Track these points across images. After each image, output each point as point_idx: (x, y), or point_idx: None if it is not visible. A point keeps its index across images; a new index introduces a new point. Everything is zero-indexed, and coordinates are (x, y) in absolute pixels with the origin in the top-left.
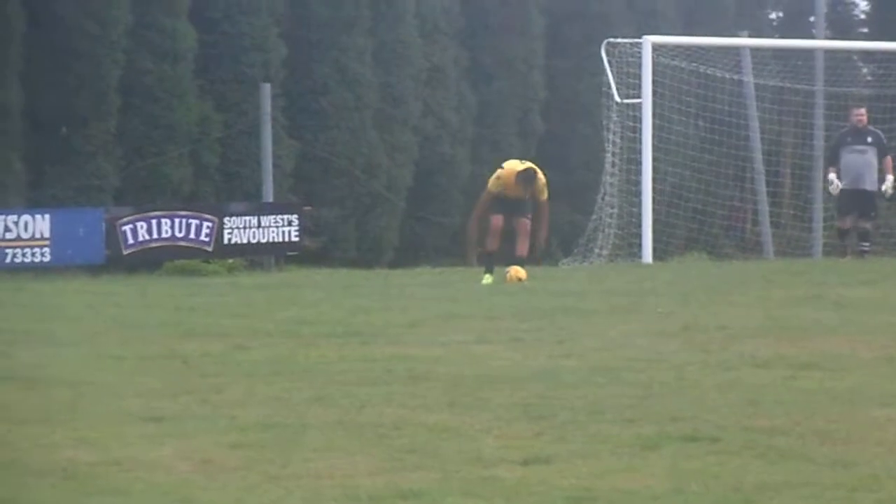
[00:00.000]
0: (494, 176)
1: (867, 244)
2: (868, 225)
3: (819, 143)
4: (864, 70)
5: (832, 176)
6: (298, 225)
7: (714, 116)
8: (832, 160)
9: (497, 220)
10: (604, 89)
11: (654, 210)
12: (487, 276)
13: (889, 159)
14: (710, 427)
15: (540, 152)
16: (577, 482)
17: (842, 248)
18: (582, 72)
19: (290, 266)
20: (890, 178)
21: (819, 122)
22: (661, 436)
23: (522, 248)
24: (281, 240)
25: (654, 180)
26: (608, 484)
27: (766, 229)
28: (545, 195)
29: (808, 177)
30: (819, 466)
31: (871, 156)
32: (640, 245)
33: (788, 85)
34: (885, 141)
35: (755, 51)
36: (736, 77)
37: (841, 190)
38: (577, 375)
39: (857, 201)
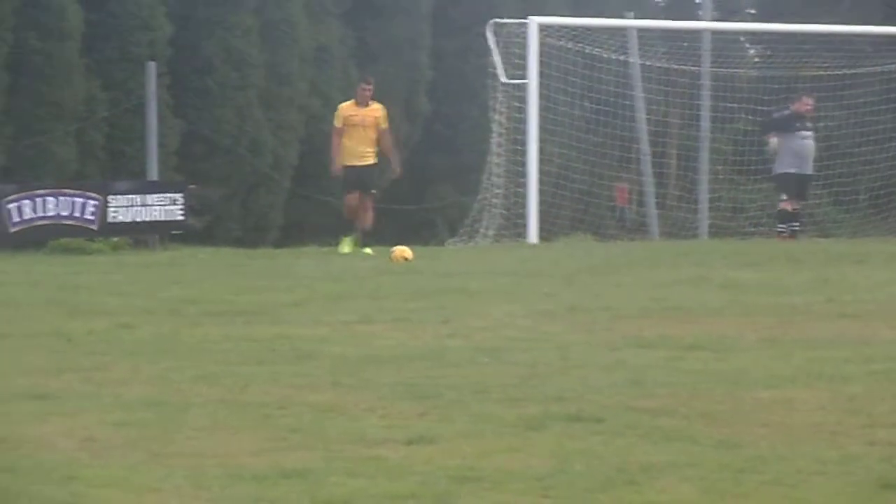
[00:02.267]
0: (335, 115)
1: (798, 224)
2: (801, 206)
3: (705, 124)
4: (752, 51)
5: (774, 140)
6: (183, 203)
7: (600, 97)
8: (771, 130)
9: (352, 197)
10: (490, 70)
11: (539, 191)
12: (347, 244)
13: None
14: (594, 407)
15: (426, 133)
16: (462, 462)
17: (784, 230)
18: (468, 52)
19: (175, 245)
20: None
21: (705, 103)
22: (545, 416)
23: (365, 221)
24: (165, 218)
25: (540, 161)
26: (492, 464)
27: (652, 210)
28: (386, 124)
29: (693, 158)
30: (704, 447)
31: (813, 140)
32: (525, 226)
33: (675, 66)
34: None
35: (641, 32)
36: (622, 58)
37: (788, 175)
38: (461, 355)
39: (802, 186)
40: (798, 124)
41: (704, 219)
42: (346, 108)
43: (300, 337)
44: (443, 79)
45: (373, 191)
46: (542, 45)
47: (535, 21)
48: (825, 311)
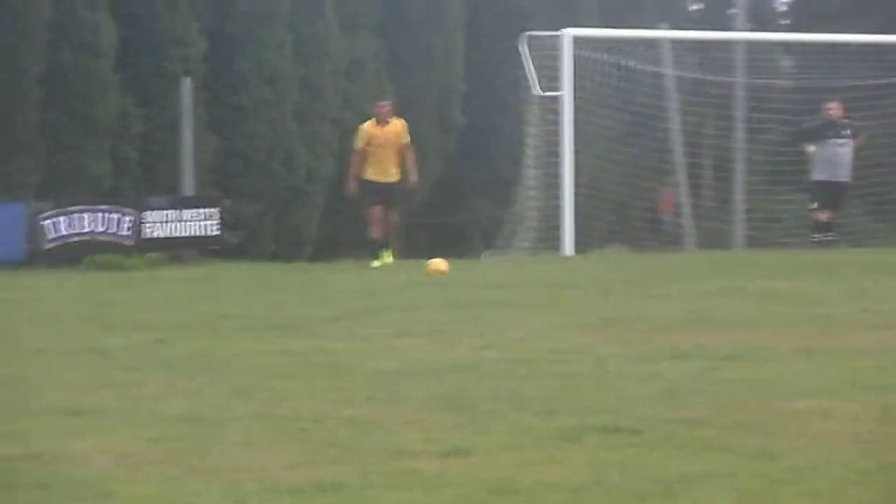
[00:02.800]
0: (356, 136)
1: (833, 234)
2: (836, 215)
3: (740, 134)
4: (785, 62)
5: (812, 148)
6: (218, 219)
7: (634, 109)
8: (805, 139)
9: (376, 211)
10: (523, 82)
11: (574, 203)
12: (376, 260)
13: (860, 141)
14: (631, 419)
15: (460, 145)
16: (499, 474)
17: (820, 240)
18: (502, 64)
19: (211, 260)
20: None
21: (739, 113)
22: (582, 427)
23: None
24: (201, 234)
25: (575, 173)
26: (529, 476)
27: (688, 221)
28: (407, 138)
29: (728, 168)
30: (740, 458)
31: (849, 148)
32: (560, 238)
33: (709, 77)
34: (859, 128)
35: (675, 43)
36: (656, 69)
37: (821, 183)
38: (497, 367)
39: (836, 194)
40: (830, 132)
41: (740, 229)
42: (368, 128)
43: (335, 351)
44: (476, 91)
45: (398, 207)
46: (575, 57)
47: (568, 33)
48: (861, 322)
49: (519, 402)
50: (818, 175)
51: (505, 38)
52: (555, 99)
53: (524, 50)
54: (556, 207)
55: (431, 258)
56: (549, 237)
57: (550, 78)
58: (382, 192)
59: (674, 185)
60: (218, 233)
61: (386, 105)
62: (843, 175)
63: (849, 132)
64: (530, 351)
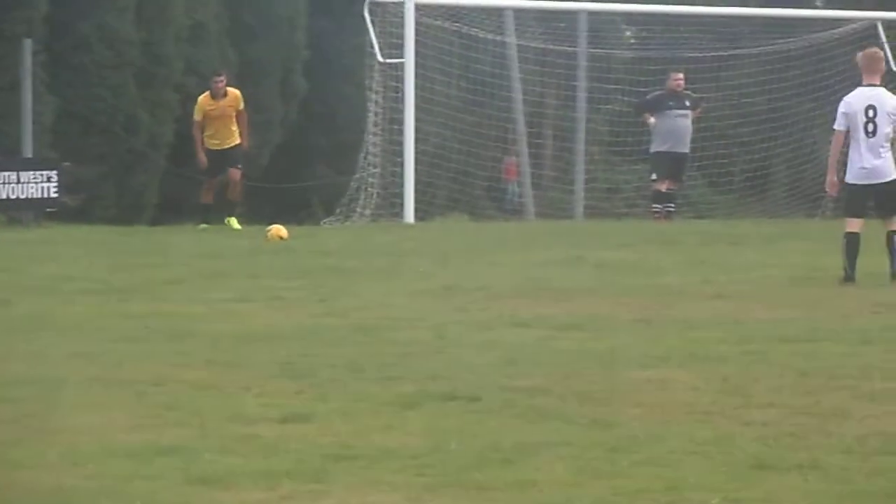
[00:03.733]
0: (195, 108)
1: (673, 205)
2: (676, 186)
3: (582, 105)
4: (627, 32)
5: (652, 119)
6: (58, 181)
7: (477, 77)
8: (645, 110)
9: (212, 181)
10: (367, 49)
11: (416, 170)
12: (204, 224)
13: (699, 110)
14: (469, 386)
15: (303, 112)
16: (337, 440)
17: (659, 211)
18: (345, 31)
19: (50, 223)
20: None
21: (582, 84)
22: (420, 394)
23: (234, 193)
24: (40, 196)
25: (417, 141)
26: (367, 442)
27: (528, 191)
28: (242, 105)
29: (570, 138)
30: (578, 426)
31: (689, 119)
32: (402, 205)
33: (551, 47)
34: (699, 100)
35: (518, 12)
36: (499, 38)
37: (661, 153)
38: (337, 334)
39: (676, 165)
40: (671, 103)
41: (580, 199)
42: (204, 101)
43: (176, 315)
44: (319, 58)
45: (239, 165)
46: (418, 24)
47: (412, 0)
48: (700, 292)
49: (357, 368)
50: (658, 146)
51: (349, 4)
52: (397, 66)
53: (367, 16)
54: (397, 175)
55: (272, 224)
56: (390, 205)
57: (393, 45)
58: (222, 157)
59: (517, 155)
60: (57, 195)
61: (221, 80)
62: (683, 146)
63: (688, 103)
64: (369, 318)
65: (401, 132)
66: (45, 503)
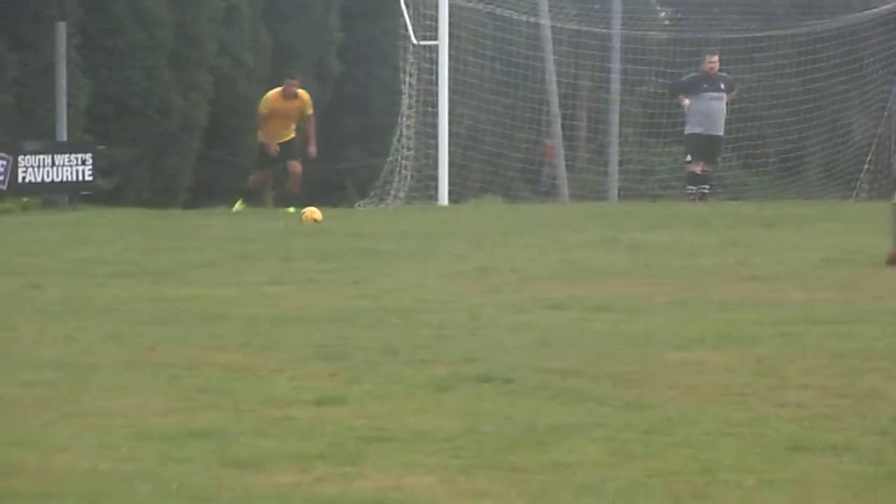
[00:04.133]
0: (262, 100)
1: (707, 187)
2: (711, 168)
3: (616, 86)
4: (662, 14)
5: (687, 101)
6: (92, 164)
7: (510, 59)
8: (680, 92)
9: (264, 174)
10: (401, 31)
11: (450, 153)
12: (240, 203)
13: (734, 93)
14: (503, 368)
15: (336, 95)
16: (371, 422)
17: (693, 193)
18: (379, 14)
19: (84, 206)
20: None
21: (615, 65)
22: (454, 377)
23: (294, 186)
24: (75, 179)
25: (451, 123)
26: (401, 424)
27: (562, 172)
28: (310, 110)
29: (604, 120)
30: (612, 408)
31: (724, 102)
32: (436, 187)
33: (585, 28)
34: (733, 82)
35: None
36: (533, 20)
37: (695, 136)
38: (371, 317)
39: (710, 147)
40: (706, 85)
41: (614, 181)
42: (274, 98)
43: (209, 298)
44: (354, 40)
45: (298, 158)
46: (452, 6)
47: None
48: (734, 274)
49: (392, 351)
50: (692, 128)
51: None
52: (431, 48)
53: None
54: (431, 157)
55: (307, 206)
56: (424, 187)
57: (427, 28)
58: (279, 152)
59: (554, 136)
60: (91, 178)
61: (295, 83)
62: (718, 129)
63: (723, 86)
64: (403, 300)
65: (435, 114)
66: (79, 486)
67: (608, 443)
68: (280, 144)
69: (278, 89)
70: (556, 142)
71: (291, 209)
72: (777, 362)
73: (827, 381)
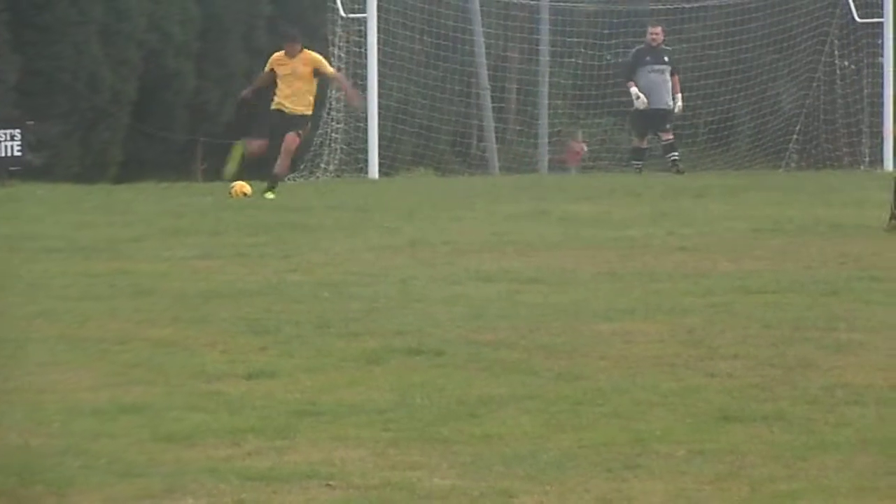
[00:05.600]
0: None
1: (676, 154)
2: (671, 136)
3: (545, 58)
4: None
5: (635, 90)
6: (21, 140)
7: (440, 32)
8: (629, 75)
9: (261, 144)
10: (329, 4)
11: (380, 126)
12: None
13: (676, 78)
14: (434, 341)
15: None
16: (302, 396)
17: (638, 166)
18: None
19: (13, 181)
20: (678, 96)
21: (545, 37)
22: (385, 349)
23: (282, 166)
24: (4, 155)
25: (380, 96)
26: (333, 398)
27: (492, 145)
28: (328, 68)
29: (533, 93)
30: (544, 380)
31: (668, 75)
32: (366, 161)
33: (514, 0)
34: (676, 61)
35: None
36: None
37: (636, 111)
38: (302, 290)
39: (656, 119)
40: (649, 58)
41: (544, 154)
42: (276, 56)
43: (139, 272)
44: (282, 14)
45: (299, 132)
46: None
47: None
48: (664, 245)
49: (323, 324)
50: (639, 104)
51: None
52: (360, 21)
53: None
54: (361, 130)
55: (236, 180)
56: (355, 160)
57: (356, 0)
58: (279, 119)
59: (571, 134)
60: (21, 154)
61: (294, 46)
62: (662, 101)
63: (667, 58)
64: (334, 274)
65: (364, 87)
66: (10, 462)
67: (539, 414)
68: (285, 115)
69: (281, 51)
70: (485, 114)
71: (270, 195)
72: (707, 333)
73: (757, 350)
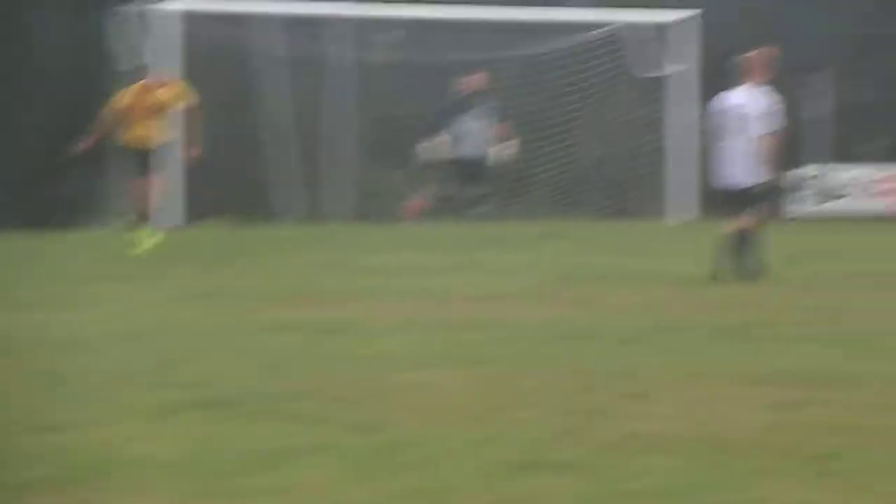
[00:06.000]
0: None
1: (486, 205)
2: (483, 188)
3: (349, 109)
4: (387, 36)
5: (441, 138)
6: None
7: (247, 80)
8: (441, 126)
9: (139, 183)
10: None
11: (185, 175)
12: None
13: (501, 126)
14: (230, 392)
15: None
16: (92, 450)
17: (449, 213)
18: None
19: None
20: (501, 145)
21: (349, 88)
22: (179, 402)
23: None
24: None
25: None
26: (125, 452)
27: (297, 194)
28: (185, 100)
29: (337, 141)
30: (341, 430)
31: (480, 123)
32: (171, 210)
33: (319, 53)
34: (498, 107)
35: (263, 19)
36: (265, 44)
37: (454, 160)
38: (100, 341)
39: (472, 169)
40: (459, 108)
41: (347, 203)
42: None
43: None
44: (75, 68)
45: (160, 170)
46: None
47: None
48: (465, 294)
49: (118, 376)
50: (454, 153)
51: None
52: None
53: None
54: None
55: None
56: (160, 210)
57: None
58: (143, 162)
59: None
60: None
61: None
62: (474, 150)
63: (482, 106)
64: (132, 324)
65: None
66: None
67: (337, 464)
68: (140, 151)
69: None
70: (291, 162)
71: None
72: (507, 381)
73: (556, 398)
